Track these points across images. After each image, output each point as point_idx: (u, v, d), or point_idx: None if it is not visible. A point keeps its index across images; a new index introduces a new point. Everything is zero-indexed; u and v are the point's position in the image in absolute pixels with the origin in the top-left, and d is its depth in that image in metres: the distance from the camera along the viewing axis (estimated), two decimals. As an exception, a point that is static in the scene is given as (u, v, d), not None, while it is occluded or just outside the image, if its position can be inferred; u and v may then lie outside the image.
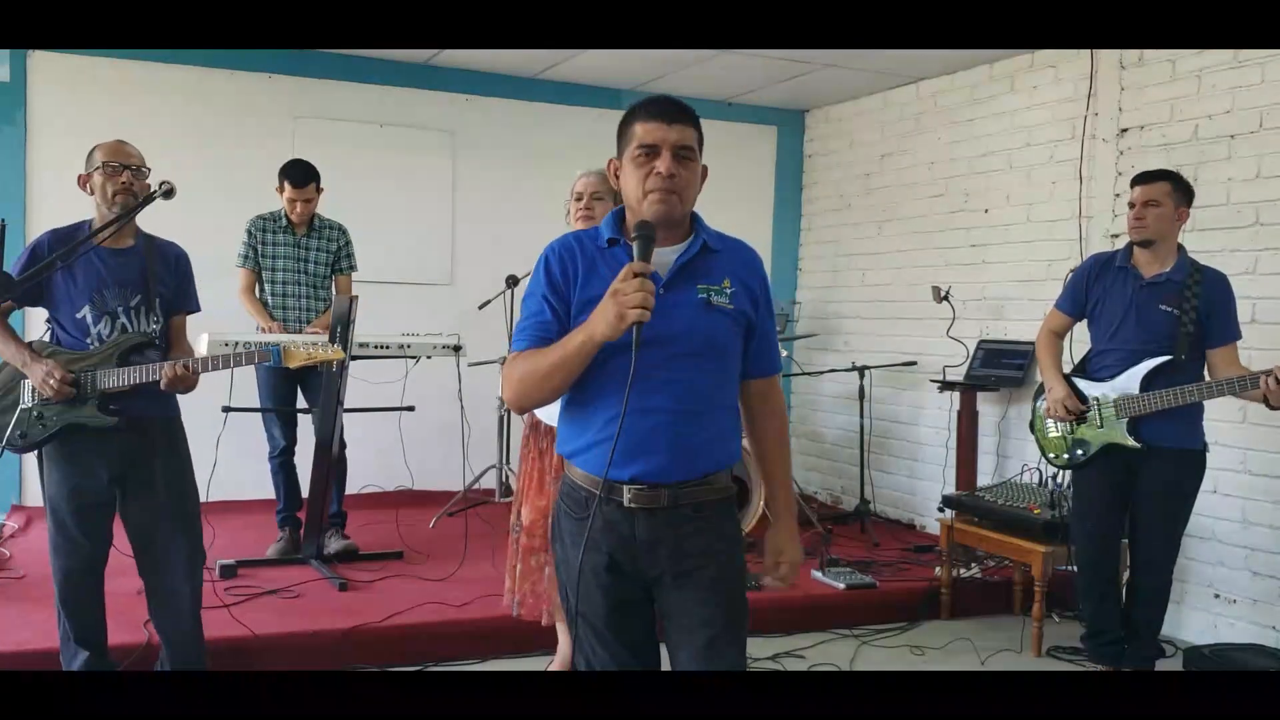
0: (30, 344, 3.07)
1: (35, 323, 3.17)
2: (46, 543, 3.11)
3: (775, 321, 2.23)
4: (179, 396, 3.14)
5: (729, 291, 2.04)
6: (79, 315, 3.03)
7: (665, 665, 2.14)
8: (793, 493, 2.29)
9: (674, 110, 2.01)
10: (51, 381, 2.93)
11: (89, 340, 3.04)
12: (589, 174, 3.32)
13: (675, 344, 1.98)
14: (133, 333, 3.06)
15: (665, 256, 2.03)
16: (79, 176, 3.07)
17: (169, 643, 3.13)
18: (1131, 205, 3.63)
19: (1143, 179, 3.66)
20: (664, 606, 2.08)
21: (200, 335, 3.97)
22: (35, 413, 3.01)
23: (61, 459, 3.04)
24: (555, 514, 2.16)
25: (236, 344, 4.10)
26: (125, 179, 2.99)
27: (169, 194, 2.99)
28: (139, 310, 3.08)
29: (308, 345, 3.11)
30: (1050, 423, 3.81)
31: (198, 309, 3.29)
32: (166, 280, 3.14)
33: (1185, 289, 3.57)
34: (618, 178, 2.08)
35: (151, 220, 3.18)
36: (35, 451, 3.09)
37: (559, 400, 2.10)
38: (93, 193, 3.05)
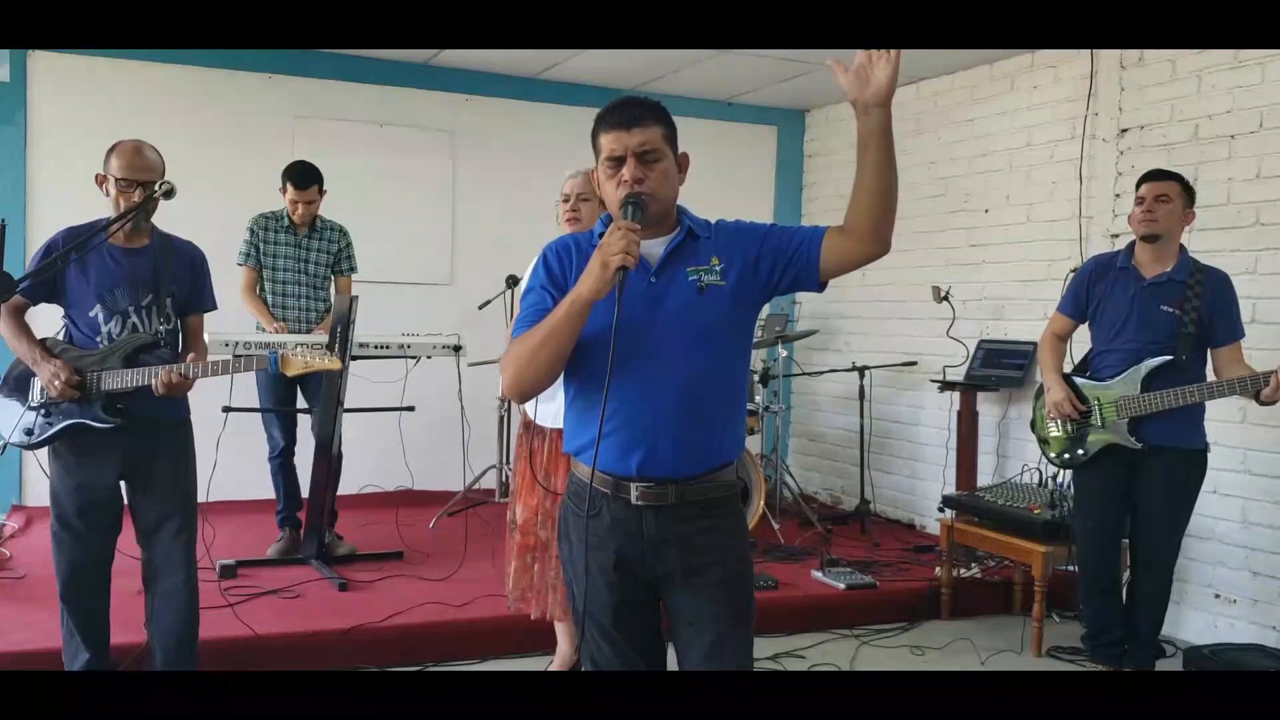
0: (44, 341, 3.06)
1: (52, 319, 3.16)
2: (48, 540, 3.10)
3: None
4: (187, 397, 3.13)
5: (719, 268, 2.03)
6: (91, 314, 3.03)
7: (672, 663, 2.15)
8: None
9: (631, 114, 2.02)
10: (57, 382, 2.94)
11: (99, 339, 3.04)
12: (576, 175, 3.34)
13: (671, 331, 1.99)
14: (141, 333, 3.05)
15: (654, 248, 2.03)
16: (96, 175, 3.03)
17: (161, 645, 3.11)
18: (1140, 201, 3.62)
19: (1153, 176, 3.66)
20: (672, 605, 2.08)
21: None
22: (42, 411, 3.02)
23: (68, 455, 3.04)
24: (562, 512, 2.16)
25: (236, 344, 4.10)
26: (138, 197, 2.96)
27: (169, 194, 2.99)
28: (150, 310, 3.07)
29: (305, 352, 3.09)
30: (1051, 422, 3.81)
31: (213, 307, 3.27)
32: (181, 279, 3.13)
33: (1187, 289, 3.57)
34: (600, 188, 2.09)
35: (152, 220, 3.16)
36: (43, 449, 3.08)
37: (556, 402, 2.10)
38: (108, 194, 3.02)
